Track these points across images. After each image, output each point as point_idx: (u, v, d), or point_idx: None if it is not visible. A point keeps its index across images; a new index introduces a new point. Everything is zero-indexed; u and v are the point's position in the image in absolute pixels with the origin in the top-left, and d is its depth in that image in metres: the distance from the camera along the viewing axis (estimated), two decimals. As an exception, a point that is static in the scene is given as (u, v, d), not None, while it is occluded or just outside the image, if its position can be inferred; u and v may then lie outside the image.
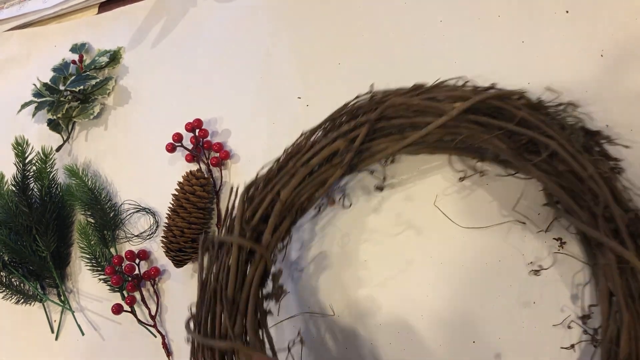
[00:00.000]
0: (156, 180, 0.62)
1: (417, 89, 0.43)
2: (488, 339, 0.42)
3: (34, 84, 0.71)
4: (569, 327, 0.41)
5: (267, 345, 0.38)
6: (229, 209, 0.43)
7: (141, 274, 0.56)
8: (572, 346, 0.40)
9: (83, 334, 0.58)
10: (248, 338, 0.36)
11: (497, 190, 0.46)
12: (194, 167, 0.59)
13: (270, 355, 0.36)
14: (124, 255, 0.57)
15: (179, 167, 0.61)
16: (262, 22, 0.65)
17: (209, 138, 0.60)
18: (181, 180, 0.56)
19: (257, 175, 0.44)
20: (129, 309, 0.55)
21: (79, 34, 0.77)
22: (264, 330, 0.39)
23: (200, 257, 0.41)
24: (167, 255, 0.54)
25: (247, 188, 0.43)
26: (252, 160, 0.58)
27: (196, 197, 0.54)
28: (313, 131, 0.45)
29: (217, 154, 0.58)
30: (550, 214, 0.43)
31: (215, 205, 0.57)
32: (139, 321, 0.54)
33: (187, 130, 0.60)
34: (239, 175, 0.58)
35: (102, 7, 0.79)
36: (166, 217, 0.55)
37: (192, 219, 0.53)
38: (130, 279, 0.55)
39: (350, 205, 0.50)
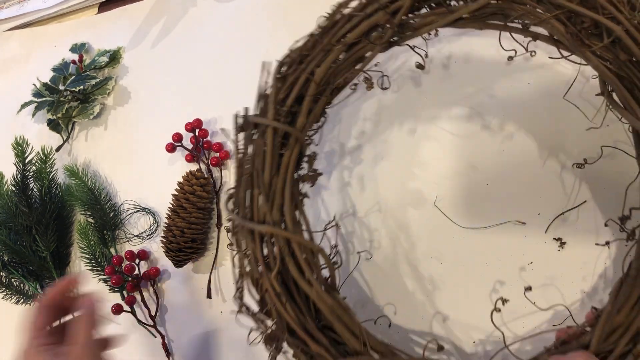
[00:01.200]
0: (156, 180, 0.62)
1: None
2: (488, 338, 0.42)
3: (34, 84, 0.71)
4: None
5: (303, 227, 0.39)
6: (261, 86, 0.42)
7: (141, 274, 0.56)
8: (607, 243, 0.40)
9: (83, 334, 0.58)
10: (285, 221, 0.37)
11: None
12: (194, 167, 0.59)
13: (307, 239, 0.37)
14: (123, 256, 0.57)
15: (179, 167, 0.61)
16: (262, 21, 0.65)
17: (209, 138, 0.60)
18: (181, 180, 0.56)
19: (290, 50, 0.42)
20: (129, 309, 0.55)
21: (79, 34, 0.77)
22: (300, 213, 0.39)
23: (236, 137, 0.41)
24: (167, 256, 0.54)
25: (280, 65, 0.42)
26: (252, 160, 0.58)
27: (196, 197, 0.54)
28: (347, 2, 0.41)
29: (217, 154, 0.58)
30: (551, 214, 0.43)
31: (215, 205, 0.57)
32: (139, 321, 0.54)
33: (187, 130, 0.59)
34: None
35: (102, 7, 0.79)
36: (166, 217, 0.55)
37: (192, 219, 0.53)
38: (130, 279, 0.55)
39: (389, 86, 0.47)
